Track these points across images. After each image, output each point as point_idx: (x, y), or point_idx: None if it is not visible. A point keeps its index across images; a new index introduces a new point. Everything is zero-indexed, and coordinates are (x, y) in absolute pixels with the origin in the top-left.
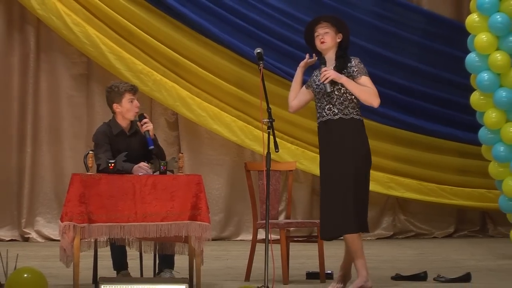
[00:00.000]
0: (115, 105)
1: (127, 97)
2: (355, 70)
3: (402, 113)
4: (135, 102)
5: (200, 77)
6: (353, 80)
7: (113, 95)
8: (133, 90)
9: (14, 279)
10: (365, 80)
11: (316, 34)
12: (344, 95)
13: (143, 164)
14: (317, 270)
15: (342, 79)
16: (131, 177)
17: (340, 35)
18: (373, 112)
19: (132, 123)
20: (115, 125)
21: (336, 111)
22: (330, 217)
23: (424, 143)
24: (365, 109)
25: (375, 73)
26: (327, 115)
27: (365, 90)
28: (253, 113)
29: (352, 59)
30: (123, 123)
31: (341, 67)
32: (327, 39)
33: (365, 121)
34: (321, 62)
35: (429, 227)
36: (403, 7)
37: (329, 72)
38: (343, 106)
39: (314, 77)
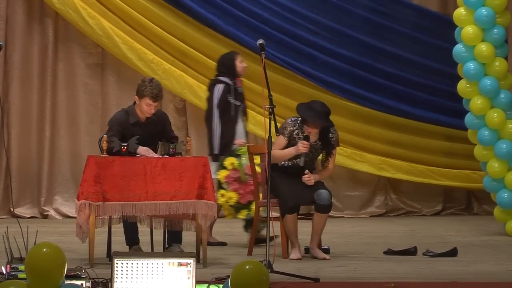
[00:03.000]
0: (136, 98)
1: (146, 100)
2: (333, 143)
3: (394, 100)
4: (152, 108)
5: (206, 66)
6: (330, 150)
7: (139, 90)
8: (154, 98)
9: (34, 253)
10: (333, 152)
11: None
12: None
13: (147, 150)
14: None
15: (316, 177)
16: (142, 159)
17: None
18: (366, 99)
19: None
20: (133, 114)
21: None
22: None
23: (414, 128)
24: (359, 97)
25: (369, 63)
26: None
27: (325, 176)
28: (256, 99)
29: (332, 132)
30: (141, 114)
31: (323, 142)
32: (312, 133)
33: (359, 107)
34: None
35: (418, 205)
36: (395, 2)
37: (311, 180)
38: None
39: (293, 132)
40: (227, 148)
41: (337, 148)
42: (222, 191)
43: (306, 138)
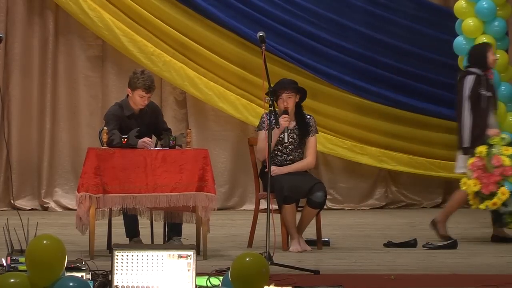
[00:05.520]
0: (128, 90)
1: (139, 92)
2: (311, 129)
3: (394, 92)
4: (145, 99)
5: (206, 59)
6: (308, 136)
7: (131, 82)
8: (147, 89)
9: (34, 245)
10: (312, 140)
11: (280, 96)
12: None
13: (147, 139)
14: (315, 237)
15: (284, 171)
16: (143, 151)
17: (298, 96)
18: (367, 91)
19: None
20: (127, 106)
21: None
22: None
23: (414, 120)
24: (360, 89)
25: (368, 55)
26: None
27: (300, 167)
28: (256, 92)
29: (308, 118)
30: (135, 106)
31: (301, 125)
32: (289, 102)
33: (360, 99)
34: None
35: (418, 197)
36: None
37: (275, 171)
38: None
39: (271, 123)
40: (478, 140)
41: (337, 140)
42: (464, 179)
43: (285, 112)
